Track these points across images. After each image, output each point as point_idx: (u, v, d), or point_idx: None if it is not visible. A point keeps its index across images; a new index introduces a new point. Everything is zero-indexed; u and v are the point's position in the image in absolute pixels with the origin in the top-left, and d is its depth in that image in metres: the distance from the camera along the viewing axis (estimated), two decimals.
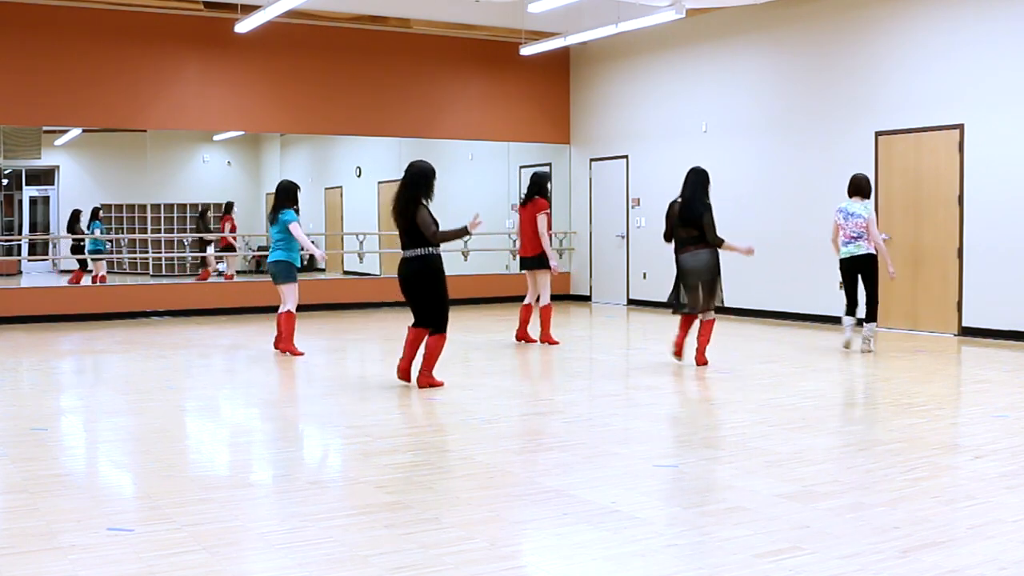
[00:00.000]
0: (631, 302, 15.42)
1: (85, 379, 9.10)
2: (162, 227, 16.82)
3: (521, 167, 17.35)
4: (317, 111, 14.81)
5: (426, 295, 7.56)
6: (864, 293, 9.58)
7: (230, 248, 16.33)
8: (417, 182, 7.57)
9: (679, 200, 8.82)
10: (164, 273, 16.97)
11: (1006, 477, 4.97)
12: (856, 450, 5.67)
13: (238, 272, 16.92)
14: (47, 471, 5.28)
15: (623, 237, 15.56)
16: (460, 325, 12.22)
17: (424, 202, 7.53)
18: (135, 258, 17.21)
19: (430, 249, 7.49)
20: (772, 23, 12.99)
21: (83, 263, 15.93)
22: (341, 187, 18.68)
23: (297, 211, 9.59)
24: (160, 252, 16.63)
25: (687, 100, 14.35)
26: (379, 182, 17.92)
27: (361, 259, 16.62)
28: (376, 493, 4.74)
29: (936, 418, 6.61)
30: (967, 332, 10.85)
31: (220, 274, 16.17)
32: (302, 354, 9.56)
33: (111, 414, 6.99)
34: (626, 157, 15.42)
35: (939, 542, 3.94)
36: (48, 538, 4.04)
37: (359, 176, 18.44)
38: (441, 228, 7.57)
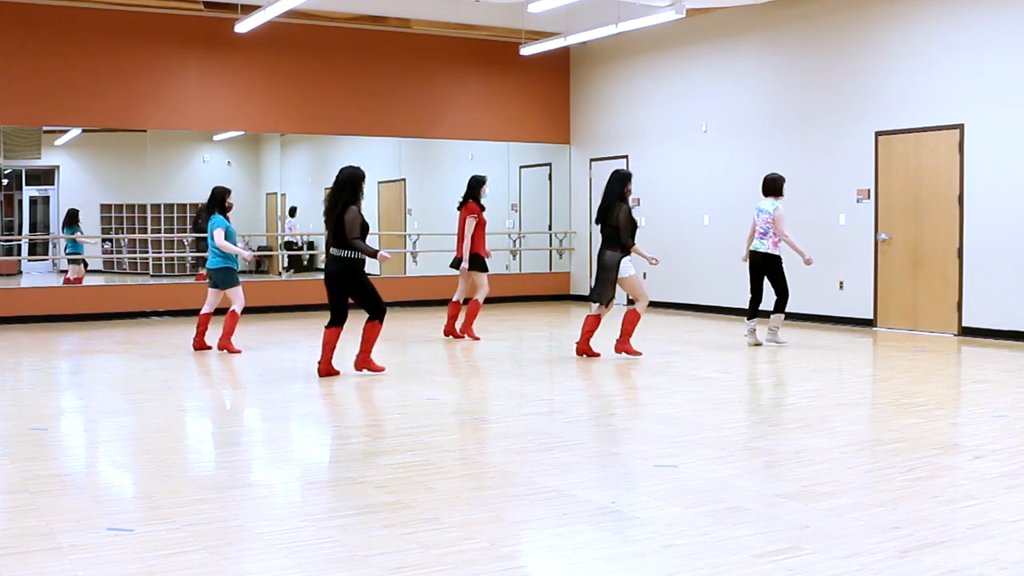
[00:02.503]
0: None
1: (85, 379, 9.09)
2: (162, 227, 16.82)
3: (521, 167, 17.35)
4: (317, 111, 14.81)
5: (352, 292, 8.06)
6: (773, 289, 10.23)
7: None
8: (343, 186, 8.03)
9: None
10: (164, 273, 16.97)
11: (1006, 477, 4.97)
12: (856, 450, 5.67)
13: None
14: (47, 471, 5.28)
15: None
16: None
17: (353, 206, 7.96)
18: (135, 258, 17.21)
19: (352, 252, 7.92)
20: (772, 23, 12.99)
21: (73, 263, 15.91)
22: None
23: (226, 215, 10.04)
24: (160, 252, 16.63)
25: (687, 100, 14.35)
26: (379, 182, 17.92)
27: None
28: (376, 493, 4.74)
29: (936, 418, 6.61)
30: (967, 332, 10.85)
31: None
32: (239, 351, 9.90)
33: (111, 414, 6.99)
34: (626, 157, 15.42)
35: (939, 542, 3.94)
36: (48, 538, 4.04)
37: None
38: (366, 240, 8.06)
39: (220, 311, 10.27)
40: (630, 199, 9.30)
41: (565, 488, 4.77)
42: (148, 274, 17.03)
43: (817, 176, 12.39)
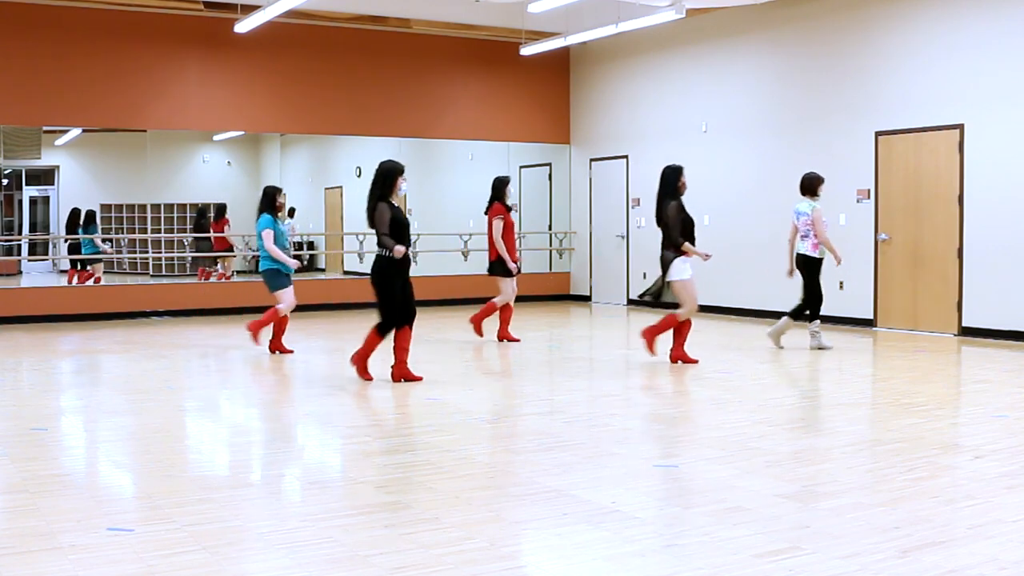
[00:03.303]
0: (631, 302, 15.42)
1: (85, 379, 9.10)
2: (162, 227, 16.83)
3: (521, 167, 17.35)
4: (317, 111, 14.81)
5: (376, 291, 7.83)
6: (802, 292, 9.90)
7: (228, 250, 16.36)
8: (376, 181, 7.77)
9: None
10: (164, 273, 16.97)
11: (1006, 477, 4.97)
12: (856, 450, 5.67)
13: (237, 272, 16.93)
14: (47, 471, 5.28)
15: (623, 237, 15.56)
16: (459, 325, 12.21)
17: (387, 201, 7.70)
18: (135, 258, 17.21)
19: (383, 251, 7.69)
20: (772, 23, 12.99)
21: (74, 263, 15.92)
22: (341, 187, 18.69)
23: (275, 215, 9.64)
24: (160, 252, 16.64)
25: (687, 100, 14.35)
26: None
27: (361, 259, 16.61)
28: (376, 493, 4.74)
29: (936, 418, 6.61)
30: (967, 332, 10.85)
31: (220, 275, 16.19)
32: (291, 352, 9.76)
33: (111, 414, 6.99)
34: (626, 157, 15.42)
35: (939, 542, 3.94)
36: (48, 538, 4.04)
37: (359, 176, 18.44)
38: (408, 237, 7.80)
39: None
40: (684, 192, 8.84)
41: (565, 488, 4.77)
42: (148, 274, 17.03)
43: None
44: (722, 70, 13.79)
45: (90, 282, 15.26)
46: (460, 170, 18.09)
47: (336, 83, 14.77)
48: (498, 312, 10.71)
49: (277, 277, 9.65)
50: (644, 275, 15.14)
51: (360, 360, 8.02)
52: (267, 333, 9.92)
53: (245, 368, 9.38)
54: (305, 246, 18.73)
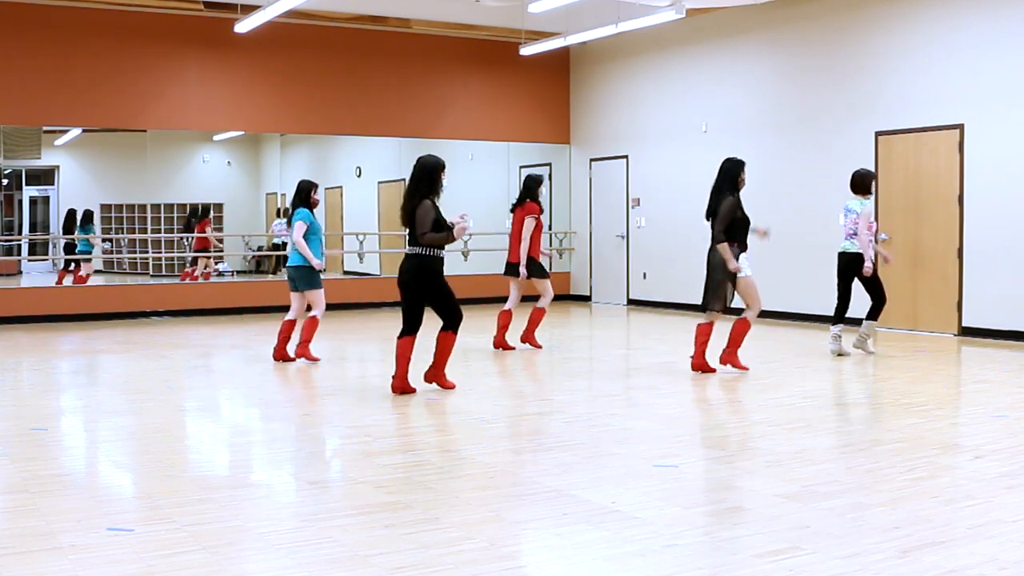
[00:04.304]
0: (631, 302, 15.42)
1: (85, 379, 9.10)
2: (162, 227, 16.83)
3: (521, 167, 17.35)
4: (317, 111, 14.81)
5: (427, 296, 7.41)
6: (868, 295, 9.52)
7: (205, 250, 16.40)
8: (419, 178, 7.32)
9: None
10: (164, 273, 16.98)
11: (1006, 477, 4.97)
12: (856, 450, 5.67)
13: (237, 272, 16.93)
14: (47, 471, 5.29)
15: (623, 237, 15.56)
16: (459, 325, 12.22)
17: (430, 200, 7.26)
18: (135, 258, 17.22)
19: (428, 249, 7.28)
20: (772, 23, 12.99)
21: (67, 263, 15.94)
22: (341, 187, 18.68)
23: (311, 210, 9.07)
24: (160, 252, 16.64)
25: (687, 100, 14.35)
26: (379, 182, 17.93)
27: (361, 259, 16.63)
28: (376, 493, 4.74)
29: (936, 418, 6.61)
30: (967, 332, 10.85)
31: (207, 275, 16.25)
32: (318, 359, 9.25)
33: (111, 414, 6.99)
34: (626, 157, 15.42)
35: (939, 542, 3.94)
36: (48, 538, 4.04)
37: (359, 176, 18.45)
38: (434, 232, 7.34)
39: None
40: (743, 188, 8.26)
41: (565, 488, 4.77)
42: (148, 274, 17.03)
43: (817, 176, 12.38)
44: (722, 70, 13.79)
45: (68, 280, 15.24)
46: (460, 170, 18.06)
47: (336, 83, 14.77)
48: (504, 316, 10.26)
49: (313, 275, 9.07)
50: (644, 275, 15.15)
51: (438, 373, 7.63)
52: (312, 343, 9.34)
53: (245, 368, 9.37)
54: None
